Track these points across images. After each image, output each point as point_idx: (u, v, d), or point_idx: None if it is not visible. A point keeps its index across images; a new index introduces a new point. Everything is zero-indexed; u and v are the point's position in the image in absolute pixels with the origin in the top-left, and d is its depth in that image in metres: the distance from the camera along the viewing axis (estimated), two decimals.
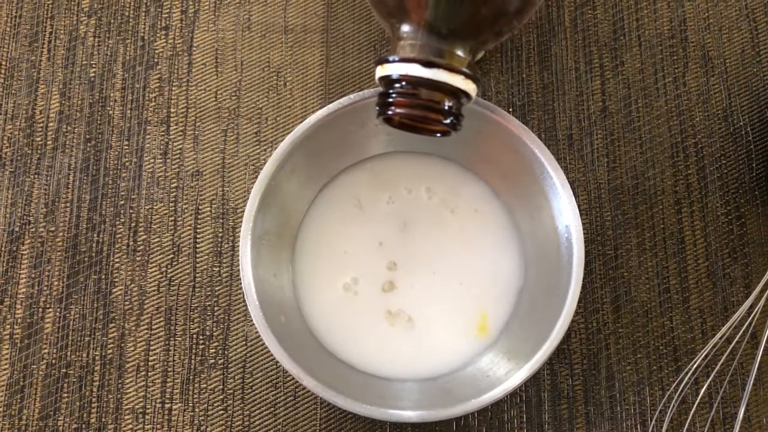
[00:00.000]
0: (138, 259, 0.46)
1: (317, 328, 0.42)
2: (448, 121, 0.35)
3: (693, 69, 0.49)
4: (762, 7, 0.50)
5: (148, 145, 0.48)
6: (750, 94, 0.49)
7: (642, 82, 0.49)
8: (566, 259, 0.38)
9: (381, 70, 0.35)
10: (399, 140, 0.44)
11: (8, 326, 0.45)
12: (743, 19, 0.50)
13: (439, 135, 0.36)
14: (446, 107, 0.34)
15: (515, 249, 0.43)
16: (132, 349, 0.44)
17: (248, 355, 0.44)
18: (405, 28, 0.34)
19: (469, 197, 0.44)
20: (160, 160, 0.47)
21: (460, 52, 0.34)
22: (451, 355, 0.42)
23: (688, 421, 0.43)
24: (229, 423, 0.43)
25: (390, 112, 0.35)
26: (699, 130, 0.48)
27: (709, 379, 0.42)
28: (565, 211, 0.39)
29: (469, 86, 0.34)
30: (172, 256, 0.46)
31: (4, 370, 0.44)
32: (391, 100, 0.35)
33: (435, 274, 0.43)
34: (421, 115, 0.34)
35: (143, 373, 0.44)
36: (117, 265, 0.46)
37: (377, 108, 0.36)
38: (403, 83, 0.34)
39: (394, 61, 0.34)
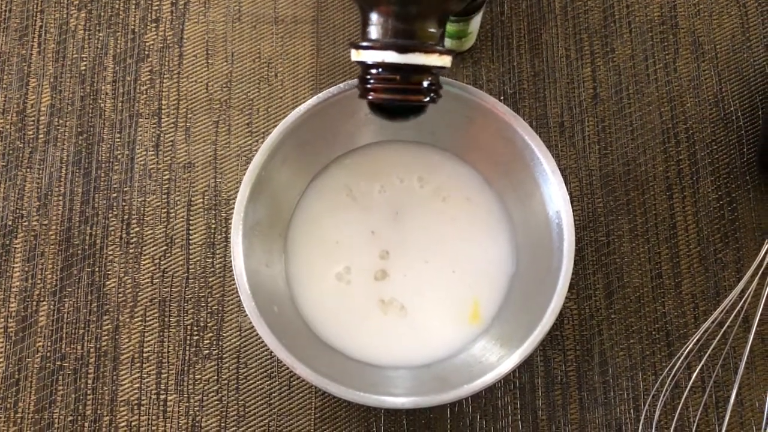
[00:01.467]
0: (131, 251, 0.46)
1: (310, 317, 0.42)
2: (428, 99, 0.35)
3: (683, 55, 0.49)
4: None
5: (140, 137, 0.48)
6: (740, 80, 0.49)
7: (633, 69, 0.49)
8: (557, 245, 0.38)
9: (356, 55, 0.34)
10: (390, 129, 0.44)
11: (2, 320, 0.45)
12: (733, 4, 0.50)
13: (417, 115, 0.36)
14: (425, 86, 0.34)
15: (507, 236, 0.44)
16: (126, 341, 0.45)
17: (242, 345, 0.44)
18: (374, 11, 0.34)
19: (461, 186, 0.44)
20: (152, 153, 0.47)
21: (431, 28, 0.34)
22: (444, 343, 0.42)
23: (681, 404, 0.43)
24: (224, 413, 0.44)
25: (370, 97, 0.35)
26: (690, 116, 0.48)
27: (701, 363, 0.42)
28: (555, 197, 0.39)
29: (445, 60, 0.34)
30: (165, 248, 0.46)
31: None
32: (369, 86, 0.35)
33: (427, 262, 0.43)
34: (402, 98, 0.34)
35: (138, 364, 0.44)
36: (110, 257, 0.46)
37: (358, 90, 0.36)
38: (380, 69, 0.34)
39: (367, 48, 0.34)
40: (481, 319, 0.42)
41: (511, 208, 0.43)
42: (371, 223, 0.44)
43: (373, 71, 0.34)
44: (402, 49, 0.33)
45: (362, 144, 0.45)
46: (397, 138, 0.45)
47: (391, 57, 0.33)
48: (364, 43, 0.34)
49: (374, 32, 0.34)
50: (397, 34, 0.33)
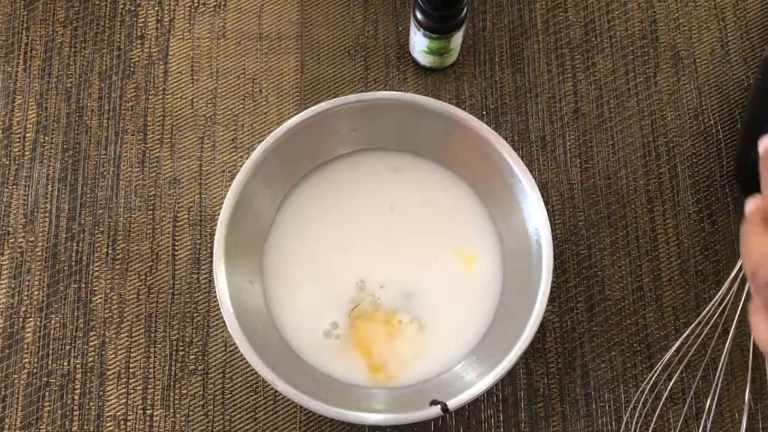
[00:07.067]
0: (117, 267, 0.46)
1: (293, 343, 0.42)
2: None
3: (664, 69, 0.49)
4: (731, 6, 0.50)
5: (126, 153, 0.48)
6: (720, 93, 0.49)
7: (613, 83, 0.49)
8: (536, 262, 0.39)
9: None
10: (373, 140, 0.44)
11: None
12: (713, 18, 0.50)
13: None
14: None
15: (496, 249, 0.43)
16: (113, 356, 0.45)
17: (228, 360, 0.45)
18: None
19: (449, 199, 0.44)
20: (138, 169, 0.48)
21: None
22: (432, 365, 0.42)
23: (662, 416, 0.44)
24: (210, 428, 0.44)
25: None
26: (670, 129, 0.49)
27: (678, 374, 0.43)
28: (534, 214, 0.39)
29: None
30: (150, 263, 0.46)
31: None
32: None
33: (418, 274, 0.43)
34: None
35: (124, 380, 0.45)
36: (96, 273, 0.46)
37: None
38: None
39: None
40: (474, 265, 0.43)
41: (498, 224, 0.44)
42: (355, 234, 0.44)
43: None
44: None
45: (343, 153, 0.45)
46: (379, 146, 0.45)
47: None
48: None
49: None
50: None
